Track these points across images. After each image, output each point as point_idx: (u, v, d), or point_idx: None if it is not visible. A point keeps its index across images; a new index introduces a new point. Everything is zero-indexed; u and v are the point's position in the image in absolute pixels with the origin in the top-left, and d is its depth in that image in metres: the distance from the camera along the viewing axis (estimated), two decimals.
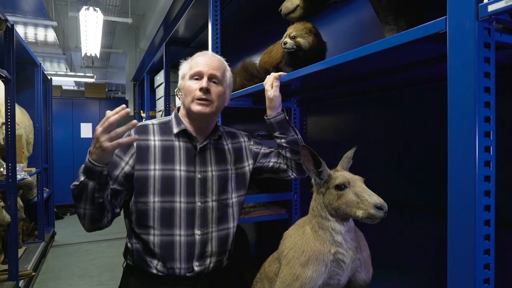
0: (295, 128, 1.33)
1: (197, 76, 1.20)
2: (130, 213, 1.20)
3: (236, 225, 1.30)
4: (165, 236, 1.16)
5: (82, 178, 1.03)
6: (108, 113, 0.99)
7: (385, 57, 0.93)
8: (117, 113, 0.99)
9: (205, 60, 1.21)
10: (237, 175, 1.31)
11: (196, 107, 1.18)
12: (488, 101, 0.61)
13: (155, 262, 1.17)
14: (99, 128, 0.98)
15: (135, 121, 1.03)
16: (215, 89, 1.21)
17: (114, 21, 5.96)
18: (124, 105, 1.00)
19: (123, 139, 1.00)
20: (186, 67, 1.25)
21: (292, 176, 1.34)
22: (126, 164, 1.17)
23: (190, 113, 1.22)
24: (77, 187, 1.04)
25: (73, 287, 3.27)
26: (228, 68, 1.30)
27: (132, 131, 1.19)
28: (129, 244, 1.24)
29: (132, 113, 6.91)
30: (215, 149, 1.28)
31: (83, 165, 1.04)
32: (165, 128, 1.24)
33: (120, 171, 1.16)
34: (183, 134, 1.23)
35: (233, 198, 1.28)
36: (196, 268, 1.19)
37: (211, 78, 1.20)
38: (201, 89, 1.17)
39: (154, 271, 1.17)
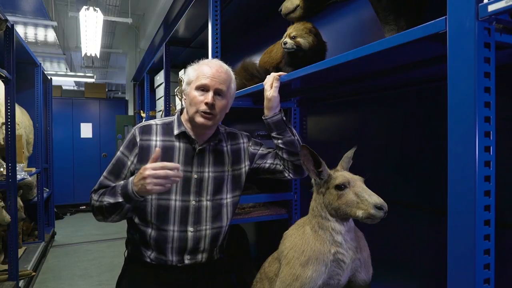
0: (292, 129, 1.33)
1: (203, 88, 1.21)
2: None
3: (229, 224, 1.34)
4: (160, 231, 1.23)
5: (120, 199, 1.13)
6: (166, 164, 1.05)
7: (385, 57, 0.93)
8: (176, 175, 1.05)
9: (212, 73, 1.22)
10: (233, 177, 1.33)
11: (199, 119, 1.21)
12: (488, 101, 0.61)
13: (149, 252, 1.25)
14: (150, 171, 1.04)
15: (180, 173, 1.08)
16: (219, 103, 1.23)
17: (114, 21, 5.96)
18: (179, 166, 1.07)
19: (166, 187, 1.06)
20: (192, 74, 1.25)
21: (289, 177, 1.35)
22: (131, 163, 1.24)
23: (192, 122, 1.25)
24: (112, 205, 1.14)
25: (73, 287, 3.27)
26: (234, 78, 1.31)
27: (137, 133, 1.26)
28: (129, 234, 1.32)
29: (132, 113, 6.93)
30: (214, 151, 1.31)
31: (124, 190, 1.12)
32: (167, 129, 1.28)
33: (127, 170, 1.24)
34: (183, 135, 1.27)
35: (228, 198, 1.32)
36: (186, 261, 1.25)
37: (216, 92, 1.22)
38: (206, 104, 1.19)
39: (148, 260, 1.24)
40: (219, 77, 1.22)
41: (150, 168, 1.04)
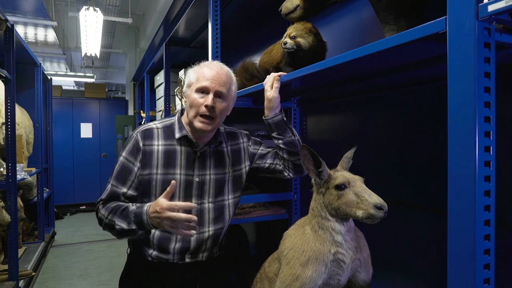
0: (293, 129, 1.33)
1: (203, 90, 1.20)
2: None
3: (230, 223, 1.35)
4: (164, 232, 1.23)
5: (133, 226, 1.12)
6: (183, 205, 1.06)
7: (385, 57, 0.93)
8: (190, 227, 1.06)
9: (213, 75, 1.20)
10: (234, 177, 1.33)
11: (198, 124, 1.20)
12: (488, 101, 0.61)
13: (150, 251, 1.25)
14: (167, 213, 1.04)
15: (193, 205, 1.08)
16: (219, 105, 1.21)
17: (114, 21, 5.96)
18: (194, 205, 1.08)
19: (182, 229, 1.07)
20: (193, 77, 1.24)
21: (288, 176, 1.35)
22: (138, 169, 1.22)
23: (191, 126, 1.24)
24: (125, 231, 1.14)
25: (73, 287, 3.27)
26: (235, 80, 1.29)
27: (139, 137, 1.24)
28: None
29: (132, 113, 6.93)
30: (215, 153, 1.31)
31: (138, 219, 1.11)
32: (168, 132, 1.27)
33: (134, 176, 1.22)
34: (185, 138, 1.26)
35: (229, 199, 1.32)
36: (187, 260, 1.26)
37: (217, 94, 1.21)
38: (206, 106, 1.18)
39: (149, 258, 1.25)
40: (219, 79, 1.21)
41: (167, 210, 1.04)
